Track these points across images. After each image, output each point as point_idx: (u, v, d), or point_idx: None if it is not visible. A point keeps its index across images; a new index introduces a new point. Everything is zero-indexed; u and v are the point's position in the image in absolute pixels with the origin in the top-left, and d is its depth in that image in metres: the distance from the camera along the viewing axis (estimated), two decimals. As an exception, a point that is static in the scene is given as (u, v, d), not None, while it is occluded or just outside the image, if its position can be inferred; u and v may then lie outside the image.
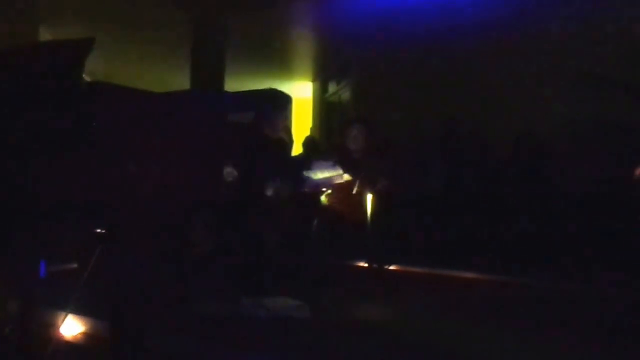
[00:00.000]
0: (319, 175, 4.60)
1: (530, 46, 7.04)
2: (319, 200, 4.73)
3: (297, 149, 8.48)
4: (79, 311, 3.08)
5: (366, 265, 4.67)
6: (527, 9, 6.70)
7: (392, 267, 4.79)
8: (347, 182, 4.55)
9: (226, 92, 6.86)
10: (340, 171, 4.54)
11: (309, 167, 4.60)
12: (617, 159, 5.29)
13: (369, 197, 4.42)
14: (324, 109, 10.90)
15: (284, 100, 4.64)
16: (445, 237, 5.79)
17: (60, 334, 2.95)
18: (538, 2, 6.56)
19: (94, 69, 7.06)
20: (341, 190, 4.60)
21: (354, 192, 4.52)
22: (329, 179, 4.56)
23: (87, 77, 2.62)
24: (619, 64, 6.30)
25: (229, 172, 3.90)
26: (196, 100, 3.77)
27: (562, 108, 6.58)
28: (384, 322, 3.68)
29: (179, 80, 8.32)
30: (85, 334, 3.16)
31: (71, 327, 3.13)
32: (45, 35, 7.32)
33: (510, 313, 3.91)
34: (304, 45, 9.10)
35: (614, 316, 3.75)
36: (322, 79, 10.97)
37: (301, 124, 12.32)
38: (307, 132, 10.69)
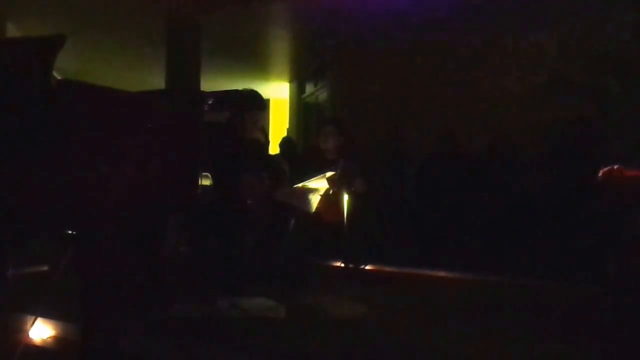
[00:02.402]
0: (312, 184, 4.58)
1: (503, 52, 7.12)
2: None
3: (273, 149, 8.44)
4: (48, 314, 3.00)
5: (342, 265, 4.64)
6: (500, 16, 6.75)
7: (367, 267, 4.78)
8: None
9: (202, 91, 6.78)
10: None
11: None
12: (583, 161, 5.37)
13: (345, 198, 4.40)
14: (301, 109, 10.87)
15: (258, 100, 4.59)
16: (420, 237, 5.80)
17: (30, 338, 2.86)
18: (511, 9, 6.60)
19: (64, 67, 6.95)
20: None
21: (330, 192, 4.51)
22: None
23: (57, 75, 2.54)
24: (588, 70, 6.40)
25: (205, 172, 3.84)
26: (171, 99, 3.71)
27: (533, 112, 6.66)
28: (360, 322, 3.65)
29: (154, 80, 8.22)
30: (55, 337, 3.08)
31: (41, 330, 3.05)
32: (12, 32, 7.15)
33: (484, 311, 3.91)
34: (281, 45, 9.06)
35: (581, 313, 3.79)
36: (299, 79, 10.93)
37: (278, 125, 12.28)
38: (284, 133, 10.66)
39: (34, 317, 2.81)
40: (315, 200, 4.52)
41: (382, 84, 7.93)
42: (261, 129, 4.57)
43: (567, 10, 6.47)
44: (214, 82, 8.63)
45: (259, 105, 4.55)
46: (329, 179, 4.52)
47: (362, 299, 4.12)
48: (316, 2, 6.68)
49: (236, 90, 4.63)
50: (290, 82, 11.31)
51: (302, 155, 7.55)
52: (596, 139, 5.56)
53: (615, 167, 3.27)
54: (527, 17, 6.71)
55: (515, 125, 6.55)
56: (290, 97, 11.52)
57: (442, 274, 5.11)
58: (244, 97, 4.46)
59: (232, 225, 4.14)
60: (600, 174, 3.28)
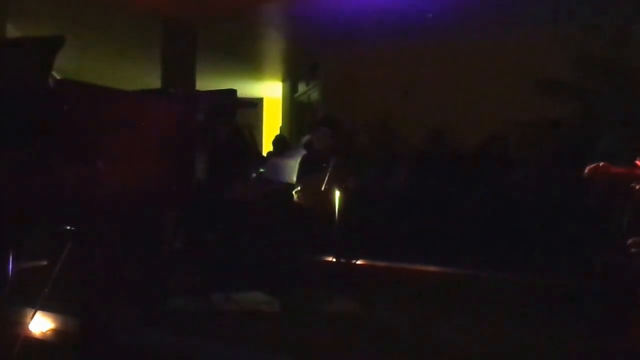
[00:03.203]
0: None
1: (490, 52, 7.17)
2: (289, 197, 4.73)
3: (267, 147, 8.46)
4: (48, 308, 3.02)
5: (334, 260, 4.67)
6: (487, 17, 6.81)
7: (359, 262, 4.82)
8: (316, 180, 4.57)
9: (197, 91, 6.79)
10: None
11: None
12: (568, 158, 5.42)
13: (338, 194, 4.43)
14: (294, 108, 10.91)
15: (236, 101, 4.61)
16: (409, 233, 5.82)
17: (29, 330, 2.88)
18: (497, 10, 6.65)
19: (63, 67, 6.95)
20: (310, 187, 4.61)
21: (323, 189, 4.54)
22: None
23: (56, 75, 2.56)
24: (573, 70, 6.45)
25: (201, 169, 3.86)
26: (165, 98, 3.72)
27: (520, 111, 6.70)
28: (351, 315, 3.69)
29: (151, 79, 8.22)
30: (54, 330, 3.10)
31: (40, 323, 3.07)
32: (13, 32, 7.15)
33: (471, 303, 3.96)
34: (274, 46, 9.08)
35: (568, 306, 3.84)
36: (291, 79, 10.96)
37: (271, 123, 12.30)
38: (277, 131, 10.68)
39: (33, 310, 2.83)
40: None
41: (373, 83, 7.97)
42: (238, 129, 4.60)
43: (554, 13, 6.54)
44: (208, 82, 8.64)
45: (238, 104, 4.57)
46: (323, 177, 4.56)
47: (354, 293, 4.16)
48: (308, 4, 6.70)
49: (218, 91, 4.65)
50: (283, 81, 11.33)
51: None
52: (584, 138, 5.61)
53: (601, 164, 3.28)
54: (515, 19, 6.77)
55: (505, 124, 6.59)
56: (283, 96, 11.54)
57: (433, 268, 5.14)
58: (218, 98, 4.48)
59: (227, 222, 4.16)
60: (586, 170, 3.29)
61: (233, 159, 4.37)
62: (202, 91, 5.10)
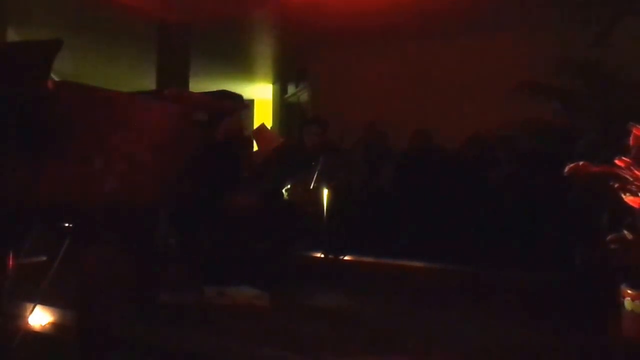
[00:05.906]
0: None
1: (474, 55, 7.22)
2: (279, 195, 4.74)
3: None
4: (47, 302, 3.02)
5: (323, 255, 4.69)
6: (470, 21, 6.85)
7: (346, 258, 4.84)
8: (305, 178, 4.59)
9: (191, 92, 6.78)
10: None
11: None
12: (551, 159, 5.45)
13: (326, 191, 4.45)
14: (284, 109, 10.91)
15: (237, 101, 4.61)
16: (395, 230, 5.84)
17: (29, 324, 2.88)
18: (480, 14, 6.69)
19: (61, 70, 6.92)
20: (300, 185, 4.63)
21: (312, 187, 4.55)
22: None
23: (54, 77, 2.56)
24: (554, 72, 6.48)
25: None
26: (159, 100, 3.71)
27: (503, 113, 6.73)
28: (338, 308, 3.70)
29: (146, 81, 8.21)
30: (53, 324, 3.10)
31: (40, 317, 3.06)
32: (13, 36, 7.12)
33: (456, 298, 3.98)
34: (264, 49, 9.09)
35: (550, 299, 3.88)
36: (281, 81, 10.96)
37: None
38: (267, 131, 10.66)
39: (33, 304, 2.83)
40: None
41: (360, 84, 8.00)
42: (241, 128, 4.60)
43: (536, 17, 6.59)
44: (201, 84, 8.63)
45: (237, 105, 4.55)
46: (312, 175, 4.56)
47: (342, 288, 4.18)
48: (298, 8, 6.71)
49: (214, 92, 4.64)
50: (273, 83, 11.33)
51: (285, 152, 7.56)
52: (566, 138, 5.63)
53: (581, 163, 3.30)
54: (498, 21, 6.82)
55: (488, 124, 6.62)
56: (273, 97, 11.54)
57: (418, 264, 5.15)
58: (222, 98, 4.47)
59: (219, 219, 4.16)
60: (566, 169, 3.30)
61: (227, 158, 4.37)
62: (196, 92, 5.09)
